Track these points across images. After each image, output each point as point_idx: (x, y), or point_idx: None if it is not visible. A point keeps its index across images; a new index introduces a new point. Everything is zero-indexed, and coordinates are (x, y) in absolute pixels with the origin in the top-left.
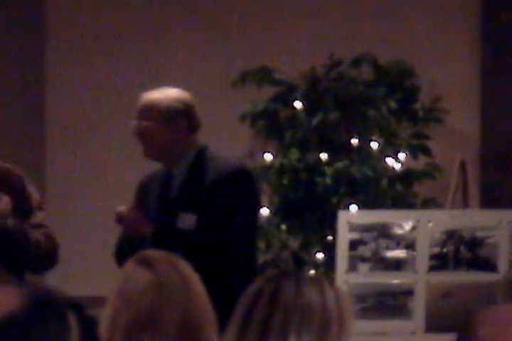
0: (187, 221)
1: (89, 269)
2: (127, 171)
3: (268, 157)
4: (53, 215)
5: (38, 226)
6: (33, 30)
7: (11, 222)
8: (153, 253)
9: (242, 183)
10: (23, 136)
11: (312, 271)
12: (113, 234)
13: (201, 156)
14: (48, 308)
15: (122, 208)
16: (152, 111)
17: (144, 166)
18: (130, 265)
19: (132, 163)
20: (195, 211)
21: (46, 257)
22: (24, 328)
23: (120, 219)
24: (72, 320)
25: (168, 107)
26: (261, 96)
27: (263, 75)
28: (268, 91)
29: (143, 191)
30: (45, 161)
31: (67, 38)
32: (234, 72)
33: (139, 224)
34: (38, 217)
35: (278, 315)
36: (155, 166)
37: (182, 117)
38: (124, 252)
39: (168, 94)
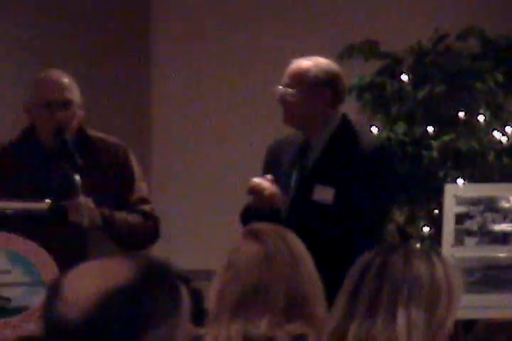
0: (324, 194)
1: (193, 243)
2: (230, 142)
3: (374, 130)
4: (159, 187)
5: (140, 201)
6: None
7: (85, 222)
8: (262, 225)
9: (386, 161)
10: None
11: (418, 245)
12: (220, 207)
13: (342, 128)
14: (160, 279)
15: (257, 180)
16: (300, 79)
17: (245, 140)
18: (239, 237)
19: (233, 136)
20: (333, 184)
21: (144, 236)
22: (136, 298)
23: (255, 191)
24: (185, 291)
25: (315, 77)
26: (367, 69)
27: (370, 48)
28: (374, 65)
29: (273, 157)
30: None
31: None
32: (341, 45)
33: (275, 198)
34: (141, 188)
35: (387, 287)
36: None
37: (327, 88)
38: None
39: (318, 63)
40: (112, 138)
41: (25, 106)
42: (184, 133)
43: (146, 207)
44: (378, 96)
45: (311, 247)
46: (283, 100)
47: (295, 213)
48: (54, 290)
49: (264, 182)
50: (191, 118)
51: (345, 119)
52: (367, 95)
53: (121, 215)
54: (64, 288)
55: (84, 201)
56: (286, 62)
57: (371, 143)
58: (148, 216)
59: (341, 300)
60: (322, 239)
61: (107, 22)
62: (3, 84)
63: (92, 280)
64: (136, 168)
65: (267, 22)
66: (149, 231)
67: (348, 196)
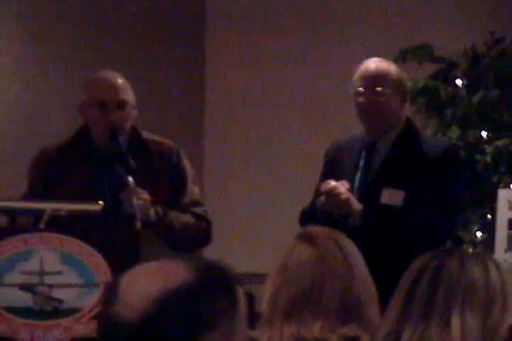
0: (393, 197)
1: (246, 246)
2: (285, 145)
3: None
4: (212, 190)
5: (193, 203)
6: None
7: (138, 225)
8: (315, 229)
9: (457, 163)
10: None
11: (471, 250)
12: (273, 209)
13: (408, 129)
14: (218, 281)
15: (334, 183)
16: (386, 78)
17: (300, 142)
18: (293, 240)
19: (288, 138)
20: (402, 186)
21: (196, 237)
22: (194, 299)
23: (331, 193)
24: (241, 293)
25: (398, 76)
26: (421, 73)
27: (423, 52)
28: (428, 69)
29: (333, 160)
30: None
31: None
32: (395, 49)
33: (350, 204)
34: (194, 191)
35: (441, 291)
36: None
37: (404, 87)
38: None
39: (391, 64)
40: (166, 141)
41: (79, 107)
42: (237, 135)
43: (199, 210)
44: (432, 101)
45: (375, 250)
46: (372, 101)
47: (363, 216)
48: (111, 291)
49: (341, 187)
50: (245, 120)
51: (409, 121)
52: (421, 99)
53: (174, 213)
54: (121, 289)
55: (140, 191)
56: (342, 65)
57: (440, 144)
58: (201, 218)
59: (396, 303)
60: (389, 242)
61: (163, 25)
62: (56, 84)
63: (149, 281)
64: (190, 171)
65: (324, 25)
66: (201, 232)
67: (420, 199)
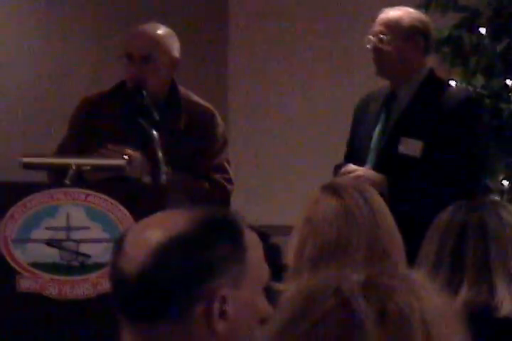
0: (411, 147)
1: (271, 198)
2: (311, 98)
3: (452, 84)
4: (238, 144)
5: (216, 168)
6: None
7: (148, 179)
8: (340, 180)
9: (478, 114)
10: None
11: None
12: (299, 162)
13: (430, 80)
14: (220, 228)
15: (353, 167)
16: (394, 26)
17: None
18: (318, 193)
19: (315, 93)
20: (420, 136)
21: (208, 202)
22: (192, 248)
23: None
24: (252, 238)
25: (410, 25)
26: (445, 22)
27: (447, 1)
28: (452, 18)
29: (359, 113)
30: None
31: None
32: None
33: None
34: (220, 157)
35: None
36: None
37: (420, 37)
38: None
39: (409, 12)
40: (204, 103)
41: (118, 58)
42: (262, 92)
43: (218, 176)
44: (456, 50)
45: (395, 201)
46: (377, 49)
47: (380, 166)
48: (117, 245)
49: (359, 170)
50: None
51: (432, 71)
52: (445, 49)
53: (181, 176)
54: (126, 241)
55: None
56: (366, 17)
57: (461, 95)
58: (216, 184)
59: (427, 256)
60: (408, 193)
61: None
62: (77, 44)
63: (151, 232)
64: (220, 137)
65: None
66: (214, 199)
67: (439, 149)
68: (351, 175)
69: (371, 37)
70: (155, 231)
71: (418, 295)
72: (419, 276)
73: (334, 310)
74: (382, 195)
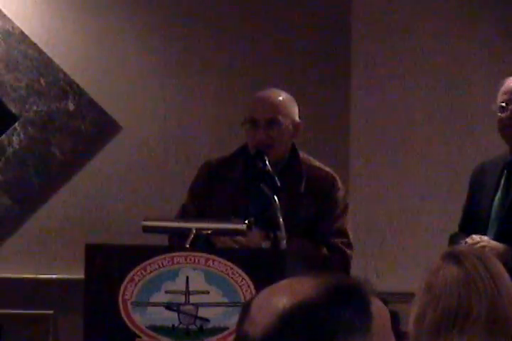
0: None
1: (391, 264)
2: (434, 160)
3: None
4: (358, 206)
5: (336, 233)
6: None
7: (266, 244)
8: (462, 248)
9: None
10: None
11: None
12: (421, 227)
13: None
14: (346, 297)
15: (477, 238)
16: None
17: (448, 157)
18: (439, 260)
19: (437, 153)
20: None
21: (328, 269)
22: (318, 316)
23: None
24: (380, 309)
25: None
26: None
27: None
28: None
29: (477, 179)
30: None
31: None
32: None
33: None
34: (341, 221)
35: None
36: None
37: None
38: None
39: None
40: (324, 168)
41: (243, 123)
42: (385, 150)
43: (338, 240)
44: None
45: None
46: (509, 117)
47: (506, 237)
48: (244, 310)
49: (483, 241)
50: (393, 134)
51: None
52: None
53: (297, 242)
54: (253, 307)
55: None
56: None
57: None
58: (337, 249)
59: None
60: None
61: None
62: (204, 105)
63: (277, 297)
64: (341, 201)
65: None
66: (333, 264)
67: None
68: (476, 246)
69: (503, 104)
70: (281, 296)
71: None
72: None
73: None
74: (506, 265)
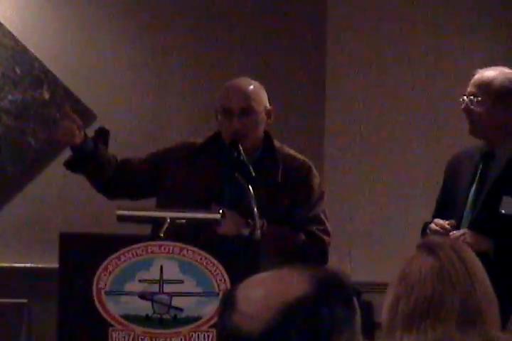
0: None
1: (366, 254)
2: (407, 155)
3: None
4: (333, 195)
5: (313, 220)
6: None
7: (258, 233)
8: (437, 239)
9: None
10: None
11: None
12: (394, 218)
13: None
14: (337, 290)
15: (441, 222)
16: (486, 88)
17: (424, 151)
18: (414, 250)
19: (413, 147)
20: None
21: (306, 256)
22: (316, 310)
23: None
24: (356, 303)
25: (501, 86)
26: None
27: None
28: None
29: (451, 171)
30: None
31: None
32: None
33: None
34: (317, 208)
35: None
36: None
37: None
38: None
39: (503, 72)
40: (299, 156)
41: (215, 112)
42: (358, 144)
43: (314, 227)
44: None
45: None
46: (469, 110)
47: (480, 227)
48: (228, 301)
49: (446, 226)
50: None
51: None
52: None
53: (275, 229)
54: (238, 298)
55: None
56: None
57: None
58: (313, 236)
59: None
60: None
61: (283, 33)
62: (176, 91)
63: (268, 291)
64: (317, 189)
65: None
66: (311, 251)
67: None
68: (454, 235)
69: (464, 97)
70: (274, 290)
71: None
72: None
73: None
74: (482, 255)
